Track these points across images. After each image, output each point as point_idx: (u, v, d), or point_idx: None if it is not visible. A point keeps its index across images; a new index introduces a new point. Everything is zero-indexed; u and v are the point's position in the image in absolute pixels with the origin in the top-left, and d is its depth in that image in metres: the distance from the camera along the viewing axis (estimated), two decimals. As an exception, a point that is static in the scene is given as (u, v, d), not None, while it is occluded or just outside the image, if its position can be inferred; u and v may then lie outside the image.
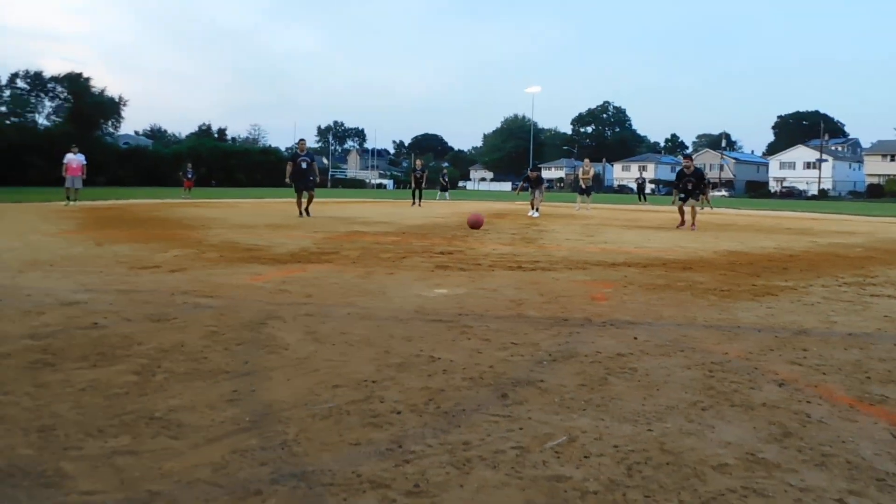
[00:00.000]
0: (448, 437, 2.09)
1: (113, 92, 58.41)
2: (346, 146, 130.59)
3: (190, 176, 26.65)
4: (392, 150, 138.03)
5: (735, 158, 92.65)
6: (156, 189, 36.53)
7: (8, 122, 44.67)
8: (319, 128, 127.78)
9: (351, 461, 1.91)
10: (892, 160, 73.19)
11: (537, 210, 17.01)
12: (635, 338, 3.47)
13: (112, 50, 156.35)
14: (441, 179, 32.81)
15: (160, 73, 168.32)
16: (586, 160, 22.76)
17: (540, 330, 3.61)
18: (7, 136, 39.11)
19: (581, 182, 22.19)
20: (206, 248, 7.34)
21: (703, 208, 16.45)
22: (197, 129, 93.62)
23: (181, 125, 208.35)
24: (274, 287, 4.82)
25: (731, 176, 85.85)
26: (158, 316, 3.73)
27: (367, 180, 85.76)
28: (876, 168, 74.69)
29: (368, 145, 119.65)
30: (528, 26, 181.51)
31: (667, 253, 7.93)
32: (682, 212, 13.03)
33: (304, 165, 14.08)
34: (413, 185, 24.13)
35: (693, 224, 12.64)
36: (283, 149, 73.68)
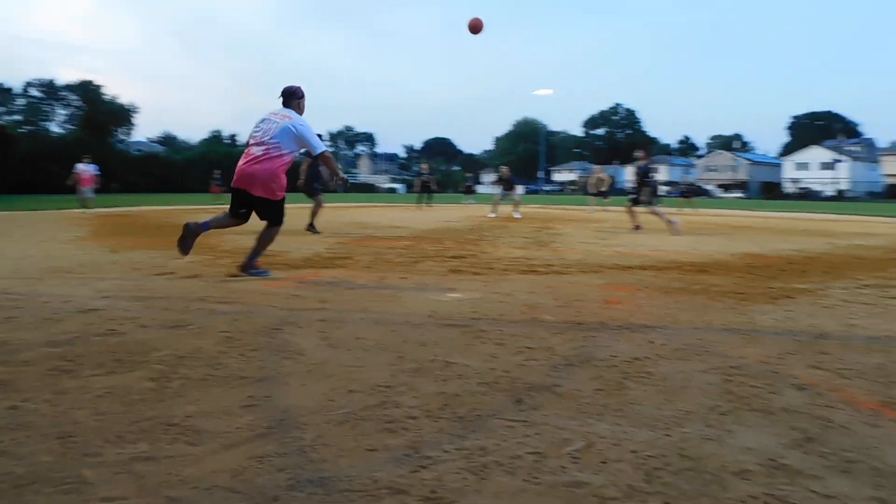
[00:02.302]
0: (464, 443, 2.08)
1: (125, 99, 59.16)
2: (356, 150, 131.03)
3: (220, 182, 26.84)
4: (403, 155, 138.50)
5: (749, 160, 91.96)
6: (169, 196, 36.82)
7: (21, 129, 45.30)
8: (331, 132, 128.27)
9: (368, 467, 1.90)
10: (909, 160, 72.24)
11: (519, 212, 17.00)
12: (651, 342, 3.44)
13: (123, 58, 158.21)
14: (465, 184, 33.69)
15: (171, 80, 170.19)
16: (596, 167, 22.95)
17: (555, 334, 3.59)
18: (22, 145, 39.61)
19: (593, 188, 22.33)
20: (219, 253, 7.37)
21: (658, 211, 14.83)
22: (208, 135, 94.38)
23: (192, 131, 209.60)
24: (288, 293, 4.83)
25: (746, 177, 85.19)
26: (174, 322, 3.74)
27: (378, 184, 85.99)
28: (894, 168, 73.84)
29: (379, 150, 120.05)
30: (538, 30, 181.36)
31: (682, 256, 7.87)
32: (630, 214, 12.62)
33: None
34: (419, 188, 24.24)
35: (637, 226, 12.29)
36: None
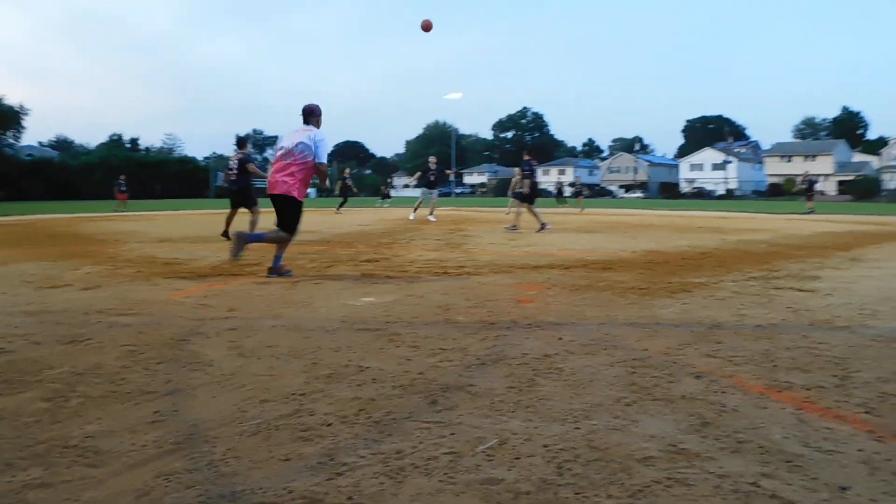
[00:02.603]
0: (380, 447, 2.08)
1: (12, 100, 55.26)
2: (266, 154, 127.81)
3: (123, 188, 25.62)
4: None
5: (648, 161, 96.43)
6: (67, 203, 34.63)
7: None
8: (238, 136, 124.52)
9: (282, 477, 1.87)
10: (789, 161, 78.20)
11: (434, 215, 16.94)
12: (561, 338, 3.56)
13: (9, 56, 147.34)
14: (383, 188, 33.55)
15: (64, 80, 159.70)
16: (517, 170, 23.32)
17: (468, 334, 3.65)
18: None
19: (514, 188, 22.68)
20: (121, 263, 7.02)
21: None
22: (108, 138, 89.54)
23: (90, 135, 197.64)
24: (195, 302, 4.67)
25: (646, 178, 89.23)
26: (71, 337, 3.54)
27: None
28: (775, 168, 79.62)
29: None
30: (447, 35, 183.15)
31: (588, 254, 8.17)
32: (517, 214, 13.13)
33: (230, 172, 10.50)
34: (339, 192, 23.95)
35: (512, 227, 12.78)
36: (200, 158, 71.52)
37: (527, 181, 12.66)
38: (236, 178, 10.21)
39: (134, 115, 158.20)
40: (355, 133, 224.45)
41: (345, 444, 2.10)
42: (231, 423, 2.29)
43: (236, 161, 10.32)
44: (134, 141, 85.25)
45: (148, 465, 1.95)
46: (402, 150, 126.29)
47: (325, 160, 5.99)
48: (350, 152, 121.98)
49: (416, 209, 18.16)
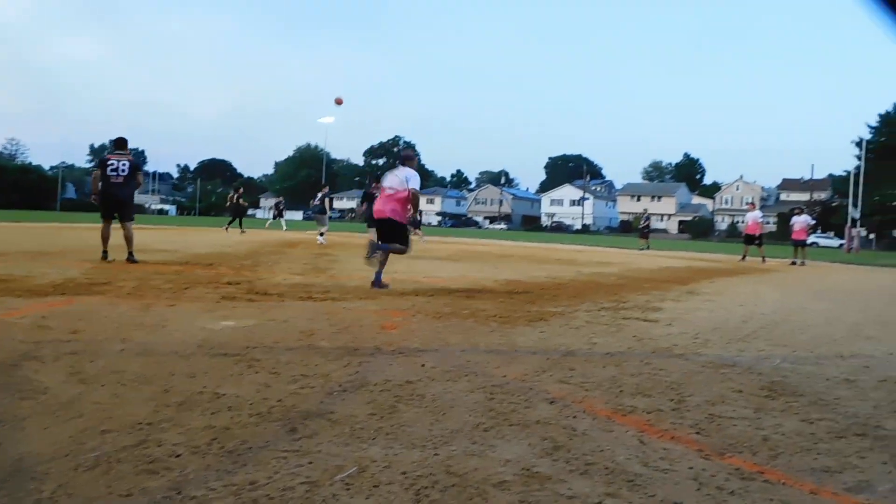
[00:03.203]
0: (233, 478, 1.99)
1: None
2: (141, 170, 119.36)
3: None
4: (176, 175, 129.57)
5: (513, 195, 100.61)
6: None
7: None
8: (92, 146, 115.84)
9: (122, 514, 1.74)
10: (638, 200, 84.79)
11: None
12: (423, 365, 3.60)
13: None
14: (276, 208, 30.95)
15: None
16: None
17: (331, 360, 3.60)
18: None
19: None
20: (-62, 279, 6.25)
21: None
22: (-66, 142, 79.85)
23: None
24: (32, 323, 4.25)
25: (510, 210, 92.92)
26: None
27: (147, 205, 79.32)
28: (626, 207, 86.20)
29: (150, 168, 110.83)
30: (324, 57, 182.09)
31: (453, 282, 8.34)
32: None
33: (113, 174, 8.76)
34: (232, 210, 22.90)
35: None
36: (47, 167, 65.60)
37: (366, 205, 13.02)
38: (124, 183, 8.73)
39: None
40: (221, 151, 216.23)
41: (194, 476, 1.99)
42: (65, 456, 2.10)
43: (126, 163, 8.78)
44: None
45: (-39, 505, 1.74)
46: (270, 170, 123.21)
47: (417, 187, 7.31)
48: (216, 170, 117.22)
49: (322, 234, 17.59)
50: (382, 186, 7.55)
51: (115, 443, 2.23)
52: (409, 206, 7.40)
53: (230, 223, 22.45)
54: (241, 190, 24.03)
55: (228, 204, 24.32)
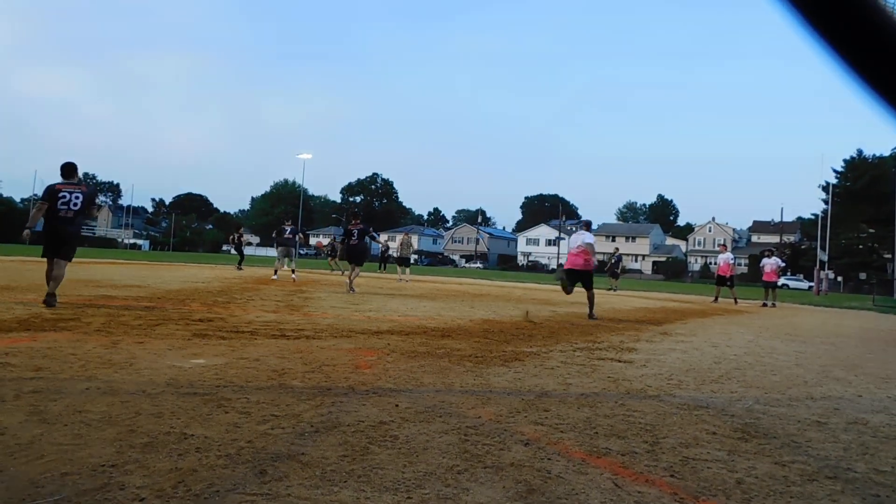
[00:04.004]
0: (199, 523, 1.93)
1: None
2: (99, 201, 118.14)
3: None
4: (151, 209, 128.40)
5: (489, 233, 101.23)
6: None
7: None
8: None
9: (80, 562, 1.67)
10: (613, 240, 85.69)
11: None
12: (397, 405, 3.56)
13: None
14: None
15: None
16: (405, 234, 23.66)
17: (303, 400, 3.54)
18: None
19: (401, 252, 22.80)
20: None
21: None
22: None
23: None
24: (-9, 360, 4.13)
25: (486, 249, 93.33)
26: None
27: (120, 239, 78.26)
28: (601, 247, 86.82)
29: (124, 202, 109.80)
30: (300, 95, 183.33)
31: (429, 321, 8.30)
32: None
33: (63, 209, 7.58)
34: (237, 247, 23.04)
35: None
36: (17, 199, 64.55)
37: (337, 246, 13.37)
38: (73, 217, 7.59)
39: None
40: (197, 186, 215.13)
41: (158, 521, 1.93)
42: (21, 500, 2.02)
43: (80, 195, 7.61)
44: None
45: None
46: (247, 206, 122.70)
47: (593, 242, 10.60)
48: (191, 205, 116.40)
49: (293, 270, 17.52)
50: (570, 247, 10.81)
51: (75, 486, 2.16)
52: (591, 257, 10.52)
53: (241, 262, 22.86)
54: (242, 230, 24.55)
55: (234, 243, 24.49)
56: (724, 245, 21.67)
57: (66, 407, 3.11)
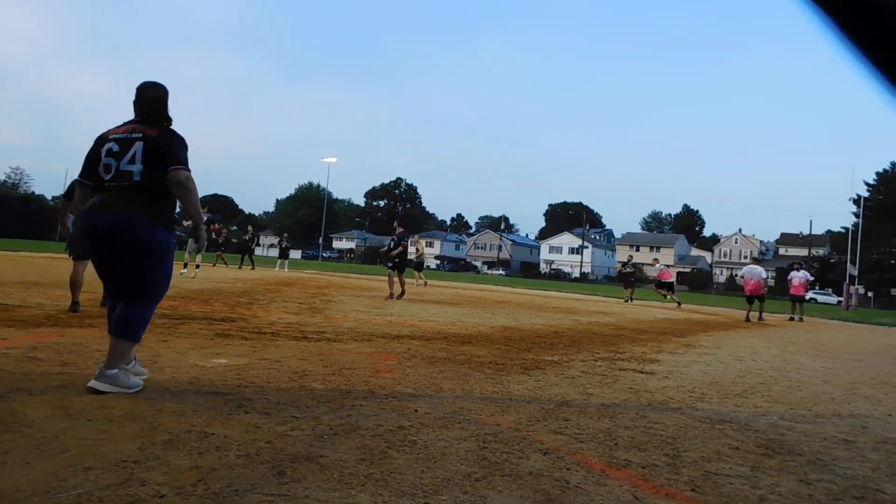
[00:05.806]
0: (217, 522, 1.94)
1: None
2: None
3: None
4: (177, 210, 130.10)
5: (512, 241, 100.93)
6: None
7: None
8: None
9: (100, 556, 1.69)
10: (637, 250, 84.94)
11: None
12: (416, 410, 3.55)
13: None
14: (280, 244, 29.29)
15: None
16: (417, 237, 23.64)
17: (323, 403, 3.55)
18: None
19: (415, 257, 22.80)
20: (-69, 306, 6.22)
21: None
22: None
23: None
24: (21, 354, 4.21)
25: (508, 256, 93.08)
26: None
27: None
28: (625, 256, 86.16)
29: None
30: (327, 98, 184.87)
31: (449, 327, 8.30)
32: (390, 282, 13.21)
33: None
34: (244, 249, 23.31)
35: (400, 294, 13.06)
36: (49, 197, 66.02)
37: (396, 250, 12.90)
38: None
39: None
40: (225, 187, 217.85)
41: (177, 519, 1.94)
42: (45, 493, 2.05)
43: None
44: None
45: (-65, 541, 1.69)
46: (271, 208, 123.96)
47: (765, 276, 15.00)
48: (218, 206, 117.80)
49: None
50: (745, 276, 15.48)
51: (97, 481, 2.19)
52: (763, 285, 15.17)
53: (243, 261, 22.95)
54: (252, 229, 24.70)
55: (249, 241, 24.78)
56: (756, 259, 21.10)
57: (90, 402, 3.16)
